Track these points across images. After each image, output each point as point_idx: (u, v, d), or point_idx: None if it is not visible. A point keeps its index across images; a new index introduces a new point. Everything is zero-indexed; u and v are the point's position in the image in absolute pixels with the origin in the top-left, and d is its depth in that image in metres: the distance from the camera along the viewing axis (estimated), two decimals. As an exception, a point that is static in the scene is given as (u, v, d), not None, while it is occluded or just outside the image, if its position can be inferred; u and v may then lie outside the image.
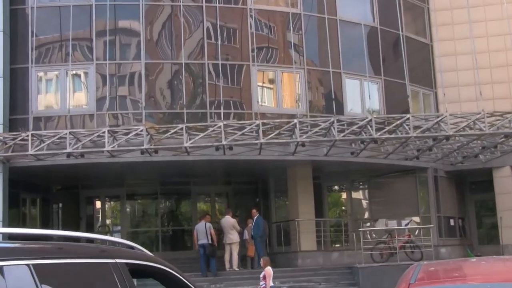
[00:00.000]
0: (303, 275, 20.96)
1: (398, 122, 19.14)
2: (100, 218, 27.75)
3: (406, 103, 22.52)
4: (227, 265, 21.56)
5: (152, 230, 27.58)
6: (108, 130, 18.67)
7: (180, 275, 4.88)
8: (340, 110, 23.11)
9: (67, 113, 20.71)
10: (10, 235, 4.49)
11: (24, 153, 19.04)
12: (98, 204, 28.04)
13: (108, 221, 28.17)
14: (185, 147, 19.00)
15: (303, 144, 19.40)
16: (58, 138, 18.92)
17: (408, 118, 19.02)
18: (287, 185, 24.48)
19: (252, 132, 19.55)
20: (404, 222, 24.20)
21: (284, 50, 23.38)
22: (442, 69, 24.26)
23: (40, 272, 3.88)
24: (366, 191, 27.35)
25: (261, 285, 15.89)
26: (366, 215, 27.17)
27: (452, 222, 25.71)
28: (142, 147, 18.50)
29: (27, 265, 3.87)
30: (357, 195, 28.27)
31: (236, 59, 22.67)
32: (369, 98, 23.38)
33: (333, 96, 23.09)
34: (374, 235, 24.33)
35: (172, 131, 18.78)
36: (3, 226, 19.06)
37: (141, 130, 18.60)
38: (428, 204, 24.93)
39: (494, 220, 25.67)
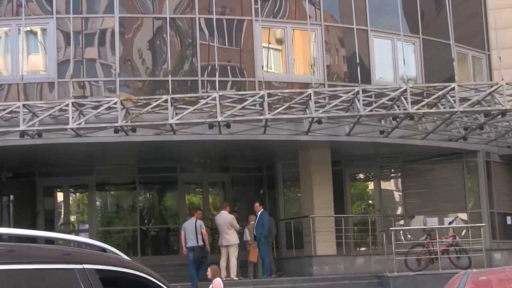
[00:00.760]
0: (319, 286, 21.00)
1: (440, 93, 19.09)
2: (62, 213, 27.80)
3: (451, 69, 22.45)
4: (223, 273, 21.61)
5: (129, 229, 27.64)
6: (72, 103, 18.65)
7: (165, 285, 4.88)
8: (367, 78, 23.05)
9: (19, 81, 20.66)
10: None
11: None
12: (60, 195, 28.09)
13: (73, 218, 28.23)
14: (171, 124, 18.99)
15: (319, 121, 19.37)
16: (8, 113, 18.91)
17: (453, 88, 18.97)
18: (299, 172, 24.48)
19: (255, 105, 19.51)
20: (447, 220, 24.21)
21: (296, 1, 23.29)
22: (498, 26, 24.13)
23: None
24: (399, 180, 27.31)
25: None
26: (399, 210, 27.17)
27: (509, 220, 25.70)
28: (116, 124, 18.49)
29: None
30: (388, 185, 28.26)
31: (235, 12, 22.61)
32: (404, 63, 23.29)
33: (357, 60, 22.97)
34: (409, 236, 24.30)
35: (154, 104, 18.77)
36: None
37: (115, 103, 18.59)
38: (478, 197, 24.92)
39: None
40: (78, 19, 21.58)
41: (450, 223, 24.02)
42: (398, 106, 19.55)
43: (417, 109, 19.08)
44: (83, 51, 21.63)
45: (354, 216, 26.73)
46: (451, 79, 20.94)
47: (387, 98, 19.43)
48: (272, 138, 21.34)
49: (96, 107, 19.10)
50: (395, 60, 24.05)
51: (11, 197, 27.06)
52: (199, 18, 22.09)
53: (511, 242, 25.52)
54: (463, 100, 19.28)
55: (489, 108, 19.35)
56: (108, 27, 21.78)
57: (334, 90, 20.37)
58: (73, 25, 21.32)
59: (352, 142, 22.25)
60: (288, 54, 23.12)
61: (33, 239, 4.68)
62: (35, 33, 22.29)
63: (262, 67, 22.12)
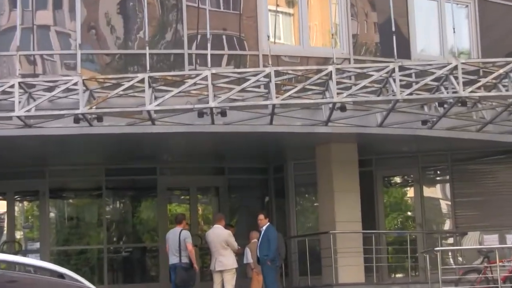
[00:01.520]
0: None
1: (502, 71, 19.07)
2: (5, 228, 27.83)
3: (516, 39, 22.51)
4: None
5: (93, 249, 27.70)
6: (19, 83, 18.64)
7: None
8: (405, 51, 23.08)
9: (-49, 55, 20.81)
10: None
11: None
12: (1, 205, 28.09)
13: (19, 234, 28.27)
14: (148, 112, 19.00)
15: (343, 107, 19.36)
16: None
17: (519, 65, 19.00)
18: (316, 175, 24.52)
19: (259, 87, 19.51)
20: (510, 238, 24.22)
21: (313, -50, 23.37)
22: None
23: None
24: (448, 185, 27.37)
25: None
26: (448, 225, 27.24)
27: None
28: (77, 112, 18.49)
29: None
30: (433, 192, 28.31)
31: (232, -35, 22.66)
32: (454, 32, 23.26)
33: (393, 28, 22.99)
34: (460, 258, 24.33)
35: (127, 84, 18.77)
36: None
37: (75, 84, 18.58)
38: (551, 209, 25.01)
39: None
40: (27, -27, 21.62)
41: (515, 241, 24.19)
42: (446, 88, 19.52)
43: (471, 92, 19.04)
44: (33, 15, 21.63)
45: (389, 233, 26.79)
46: (516, 53, 20.99)
47: (432, 77, 19.41)
48: (281, 130, 21.36)
49: (50, 89, 19.10)
50: (442, 28, 24.08)
51: None
52: (185, -28, 22.13)
53: None
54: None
55: None
56: (67, -16, 21.81)
57: (362, 67, 20.35)
58: (21, -19, 21.35)
59: (385, 135, 22.27)
60: (302, 19, 23.12)
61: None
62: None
63: (268, 37, 22.09)
